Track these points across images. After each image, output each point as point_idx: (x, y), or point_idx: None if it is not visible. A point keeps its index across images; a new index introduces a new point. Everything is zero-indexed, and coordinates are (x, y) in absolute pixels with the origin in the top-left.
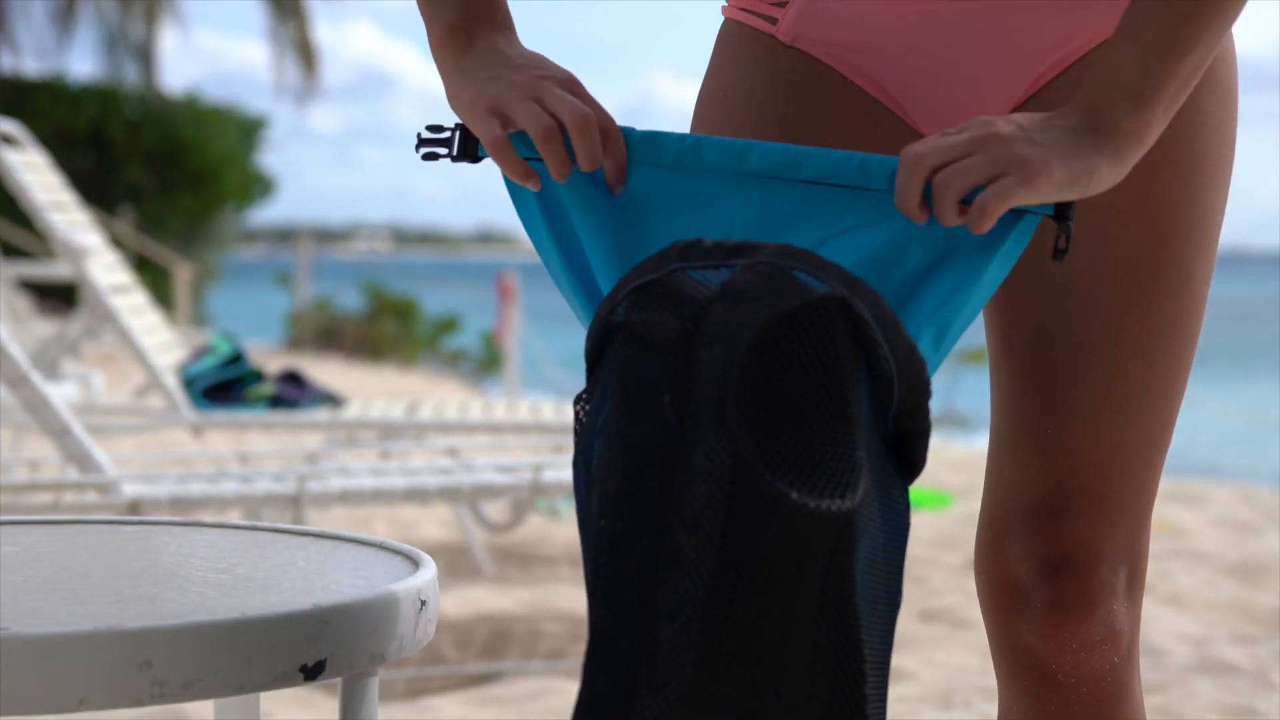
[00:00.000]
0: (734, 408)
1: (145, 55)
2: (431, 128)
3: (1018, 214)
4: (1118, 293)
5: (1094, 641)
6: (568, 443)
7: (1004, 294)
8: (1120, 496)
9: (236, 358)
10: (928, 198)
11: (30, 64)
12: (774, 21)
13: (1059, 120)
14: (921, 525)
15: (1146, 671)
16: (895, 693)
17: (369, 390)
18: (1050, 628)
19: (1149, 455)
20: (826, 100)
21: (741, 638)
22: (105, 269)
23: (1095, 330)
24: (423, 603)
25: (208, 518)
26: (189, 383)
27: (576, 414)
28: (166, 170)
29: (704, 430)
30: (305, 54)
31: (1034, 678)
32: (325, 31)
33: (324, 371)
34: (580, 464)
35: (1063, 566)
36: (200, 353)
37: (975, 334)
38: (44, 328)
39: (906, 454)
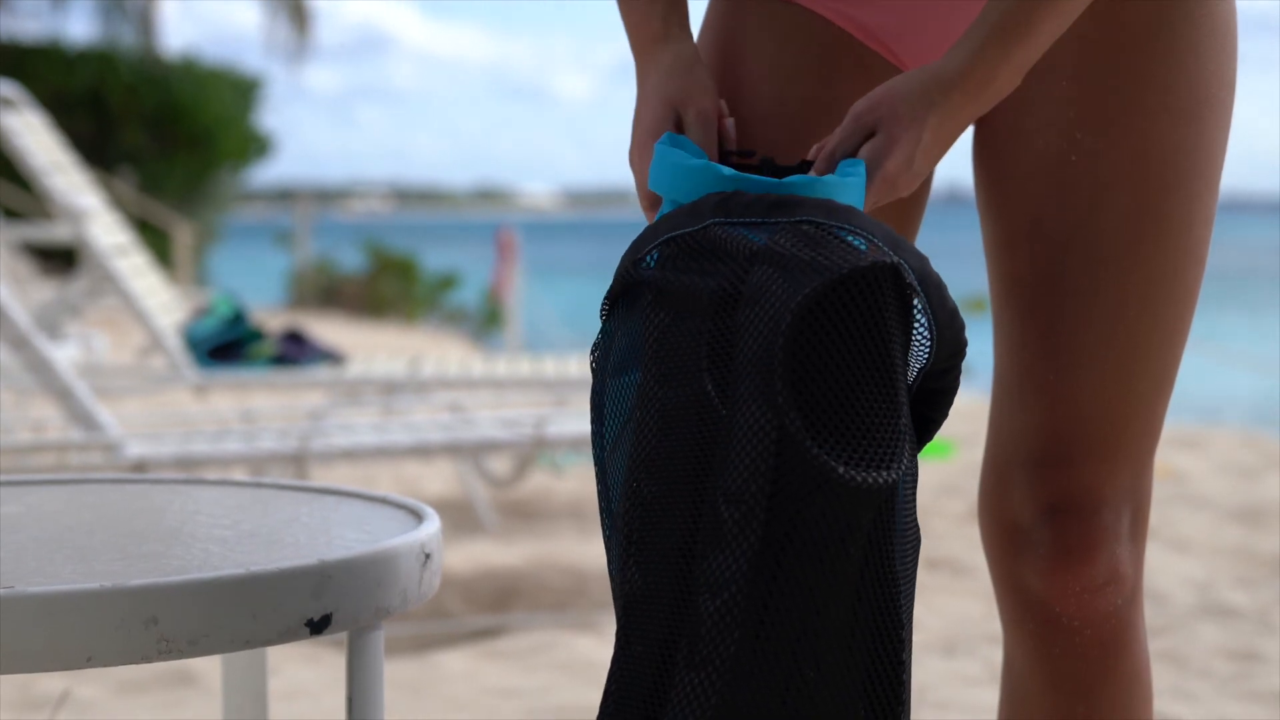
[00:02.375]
0: (780, 378)
1: (143, 17)
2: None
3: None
4: (1119, 239)
5: (1097, 585)
6: (569, 397)
7: (1005, 243)
8: (1122, 441)
9: (237, 318)
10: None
11: (27, 26)
12: None
13: (957, 131)
14: (924, 474)
15: (1150, 615)
16: None
17: (371, 348)
18: (1053, 571)
19: (1151, 400)
20: (826, 52)
21: (784, 613)
22: (105, 230)
23: (1097, 277)
24: (427, 556)
25: (211, 476)
26: (193, 344)
27: (592, 366)
28: (164, 132)
29: (746, 399)
30: (298, 14)
31: (1038, 621)
32: None
33: (325, 330)
34: (594, 406)
35: (1065, 510)
36: (201, 313)
37: (978, 282)
38: (45, 290)
39: (928, 412)
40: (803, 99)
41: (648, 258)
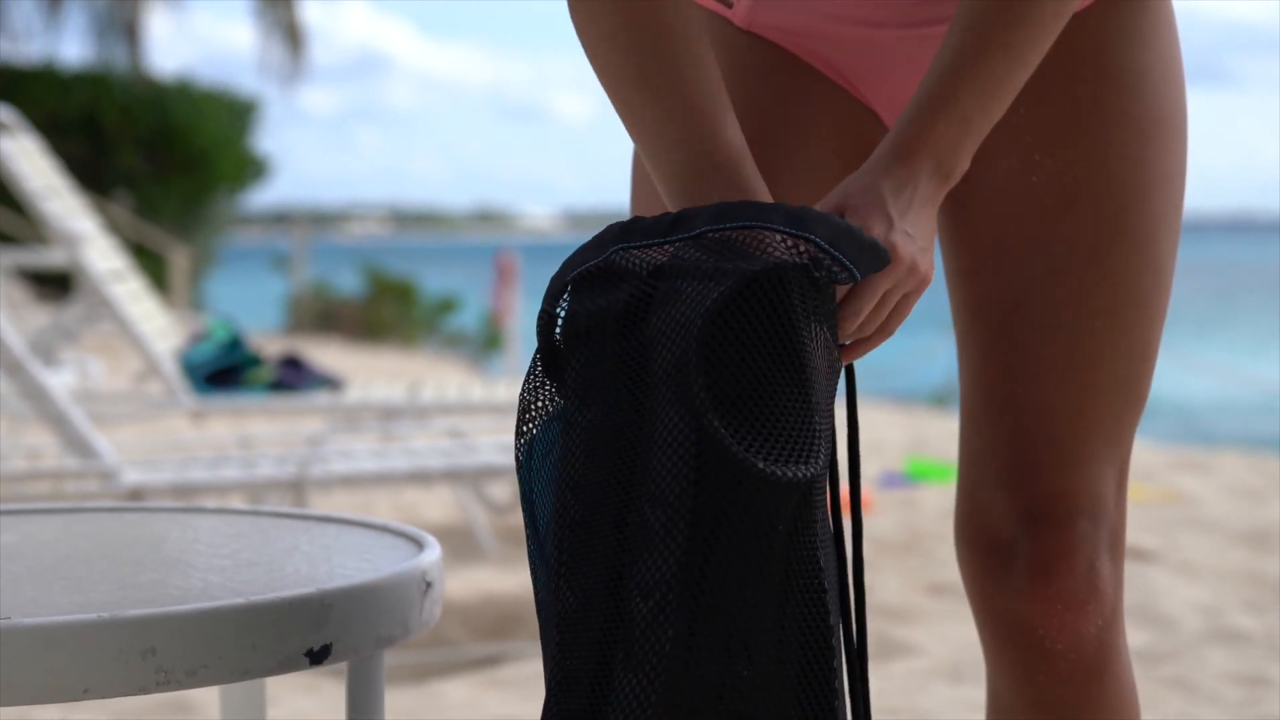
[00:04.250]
0: (696, 381)
1: (132, 36)
2: None
3: None
4: (1081, 253)
5: (1078, 600)
6: None
7: (969, 267)
8: (1091, 451)
9: (235, 343)
10: None
11: (21, 50)
12: (730, 5)
13: (925, 202)
14: (928, 498)
15: (1157, 641)
16: (904, 666)
17: (369, 373)
18: (1033, 587)
19: (1120, 410)
20: (785, 81)
21: (714, 611)
22: (101, 255)
23: (1061, 290)
24: (428, 584)
25: (209, 503)
26: (189, 369)
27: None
28: (160, 155)
29: (664, 405)
30: (292, 36)
31: (1020, 646)
32: (318, 12)
33: (323, 355)
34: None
35: (1041, 520)
36: (198, 338)
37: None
38: (40, 316)
39: None
40: (764, 131)
41: (566, 298)
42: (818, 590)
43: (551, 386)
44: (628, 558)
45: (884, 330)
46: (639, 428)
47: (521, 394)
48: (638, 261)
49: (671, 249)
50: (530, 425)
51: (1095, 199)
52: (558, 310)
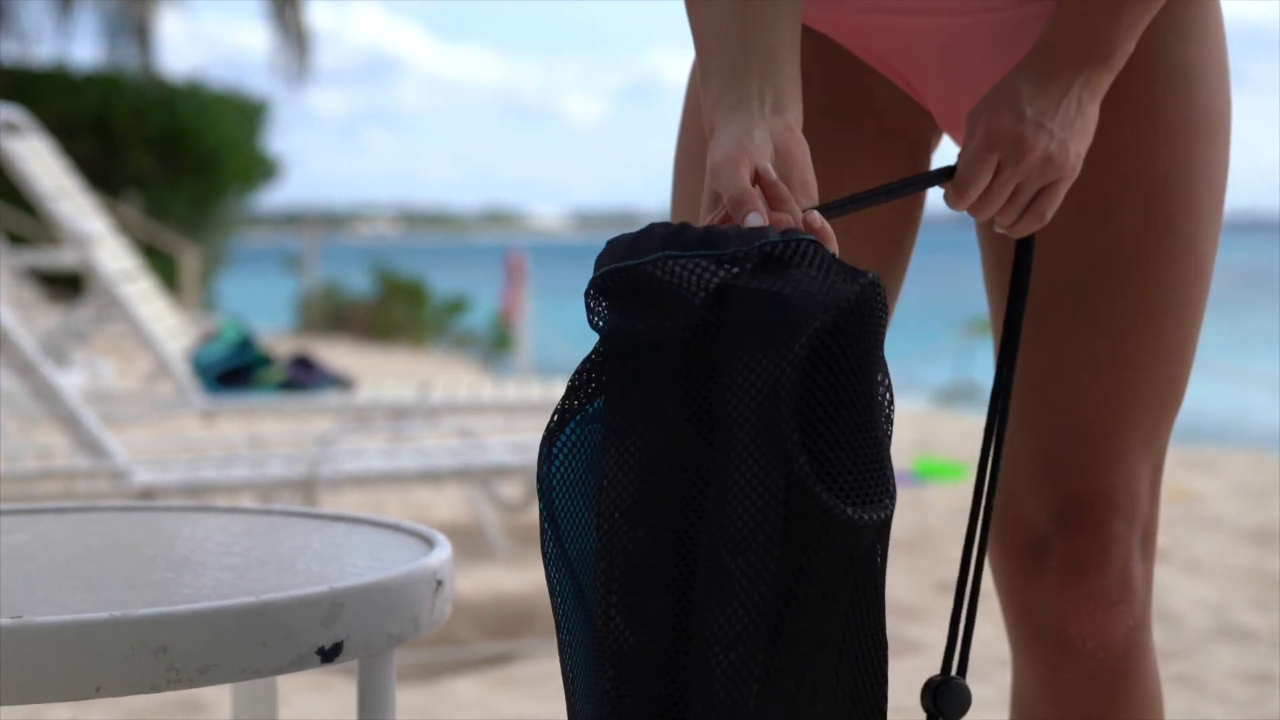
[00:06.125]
0: (788, 421)
1: (142, 38)
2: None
3: None
4: (1123, 252)
5: (1110, 600)
6: None
7: (1010, 264)
8: (1128, 450)
9: (245, 343)
10: None
11: (33, 52)
12: None
13: (1080, 91)
14: (936, 497)
15: (1165, 638)
16: (912, 664)
17: (379, 373)
18: (1066, 586)
19: (1156, 410)
20: (838, 77)
21: (789, 655)
22: (111, 256)
23: (1101, 287)
24: (438, 583)
25: (220, 503)
26: (200, 369)
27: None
28: (170, 156)
29: (746, 443)
30: (299, 38)
31: (1048, 644)
32: (328, 15)
33: (334, 355)
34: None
35: (1076, 520)
36: (209, 338)
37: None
38: (51, 317)
39: None
40: (812, 122)
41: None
42: (879, 623)
43: (594, 386)
44: (700, 602)
45: (1034, 216)
46: (707, 461)
47: (571, 379)
48: (689, 279)
49: (723, 268)
50: (563, 414)
51: (1140, 198)
52: (596, 310)
